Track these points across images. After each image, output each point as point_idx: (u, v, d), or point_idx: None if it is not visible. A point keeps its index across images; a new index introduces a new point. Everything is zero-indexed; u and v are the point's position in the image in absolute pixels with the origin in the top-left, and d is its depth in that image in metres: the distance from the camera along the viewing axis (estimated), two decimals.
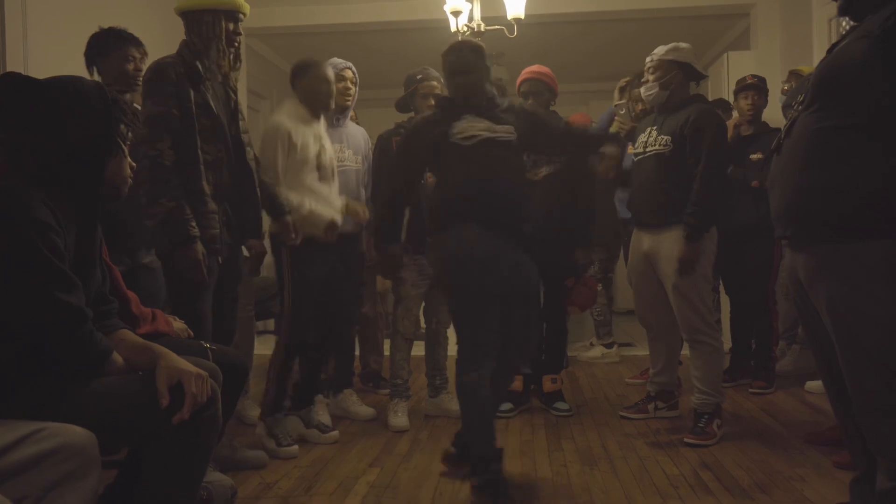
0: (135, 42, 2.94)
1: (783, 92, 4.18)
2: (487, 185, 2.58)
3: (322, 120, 3.22)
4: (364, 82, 3.60)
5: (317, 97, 3.14)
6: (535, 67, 3.69)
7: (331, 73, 3.17)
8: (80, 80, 1.73)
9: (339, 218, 3.15)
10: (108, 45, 2.89)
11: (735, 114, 4.31)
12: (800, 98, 2.19)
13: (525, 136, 2.74)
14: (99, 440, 1.46)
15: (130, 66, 2.89)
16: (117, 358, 1.63)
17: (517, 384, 3.64)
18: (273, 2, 5.49)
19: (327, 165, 3.15)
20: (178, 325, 2.22)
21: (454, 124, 2.66)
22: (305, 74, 3.15)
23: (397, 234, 2.89)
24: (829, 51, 2.16)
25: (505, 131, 2.67)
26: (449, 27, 4.45)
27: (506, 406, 3.59)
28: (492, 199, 2.57)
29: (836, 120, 1.97)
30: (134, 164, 1.84)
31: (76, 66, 2.76)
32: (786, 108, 2.46)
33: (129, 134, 1.80)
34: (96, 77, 2.88)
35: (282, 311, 3.15)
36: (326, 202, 3.12)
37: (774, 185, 2.20)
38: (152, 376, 1.58)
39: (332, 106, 3.22)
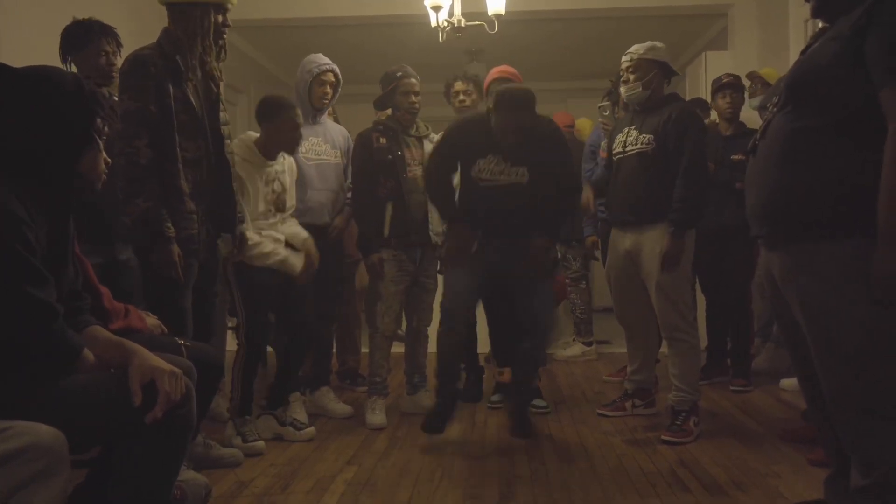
0: (107, 33, 2.87)
1: (750, 95, 4.21)
2: (488, 216, 3.11)
3: (279, 157, 3.17)
4: (343, 78, 3.57)
5: (281, 143, 3.10)
6: (504, 68, 3.71)
7: (298, 118, 3.10)
8: (57, 71, 1.69)
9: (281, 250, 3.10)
10: (81, 39, 2.83)
11: (713, 113, 4.35)
12: (774, 99, 2.20)
13: (535, 178, 3.13)
14: (68, 439, 1.43)
15: (103, 61, 2.83)
16: (88, 355, 1.59)
17: (506, 376, 3.69)
18: None
19: (274, 202, 3.12)
20: (151, 321, 2.18)
21: (478, 161, 3.13)
22: (276, 117, 3.07)
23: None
24: (803, 52, 2.18)
25: (518, 175, 3.12)
26: (429, 23, 4.43)
27: (496, 397, 3.69)
28: (492, 222, 3.11)
29: (808, 120, 1.99)
30: (109, 159, 1.80)
31: (50, 60, 2.70)
32: (761, 109, 2.49)
33: (106, 128, 1.77)
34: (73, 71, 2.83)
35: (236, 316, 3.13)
36: (271, 237, 3.08)
37: (750, 184, 2.21)
38: (125, 374, 1.54)
39: (296, 150, 3.22)
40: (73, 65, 2.85)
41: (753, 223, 2.14)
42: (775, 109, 2.10)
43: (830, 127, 1.95)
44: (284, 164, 3.19)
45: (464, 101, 3.78)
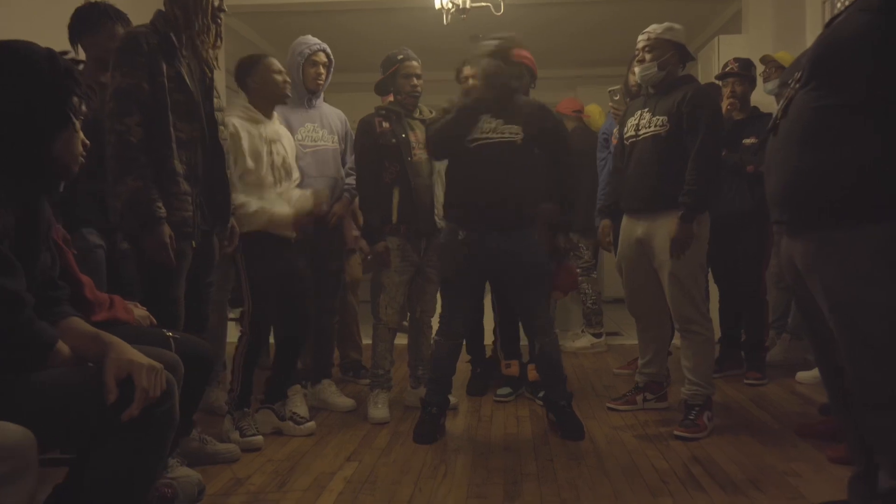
0: (121, 18, 2.80)
1: (765, 79, 4.08)
2: (482, 190, 2.96)
3: (275, 117, 3.08)
4: (344, 65, 3.46)
5: (269, 92, 3.00)
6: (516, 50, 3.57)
7: (277, 63, 3.03)
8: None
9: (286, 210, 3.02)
10: (94, 22, 2.75)
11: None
12: (796, 76, 2.08)
13: (530, 138, 3.01)
14: (40, 438, 1.33)
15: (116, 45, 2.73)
16: (63, 348, 1.49)
17: (513, 370, 3.69)
18: None
19: (280, 167, 3.02)
20: (139, 312, 2.08)
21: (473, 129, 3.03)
22: (254, 70, 3.00)
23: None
24: (828, 25, 2.05)
25: (511, 133, 2.99)
26: (433, 7, 4.32)
27: (504, 391, 3.62)
28: (484, 205, 2.97)
29: (833, 98, 1.87)
30: (87, 141, 1.69)
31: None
32: (782, 86, 2.36)
33: (83, 107, 1.66)
34: (80, 55, 2.73)
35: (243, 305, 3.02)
36: (281, 205, 2.99)
37: (770, 167, 2.09)
38: (101, 369, 1.44)
39: (287, 98, 3.08)
40: (81, 48, 2.76)
41: (774, 208, 2.02)
42: (797, 86, 1.98)
43: (856, 105, 1.83)
44: (281, 133, 3.10)
45: (473, 85, 3.66)
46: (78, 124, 1.63)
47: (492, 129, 3.01)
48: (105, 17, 2.76)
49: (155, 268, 2.37)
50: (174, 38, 2.40)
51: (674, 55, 3.07)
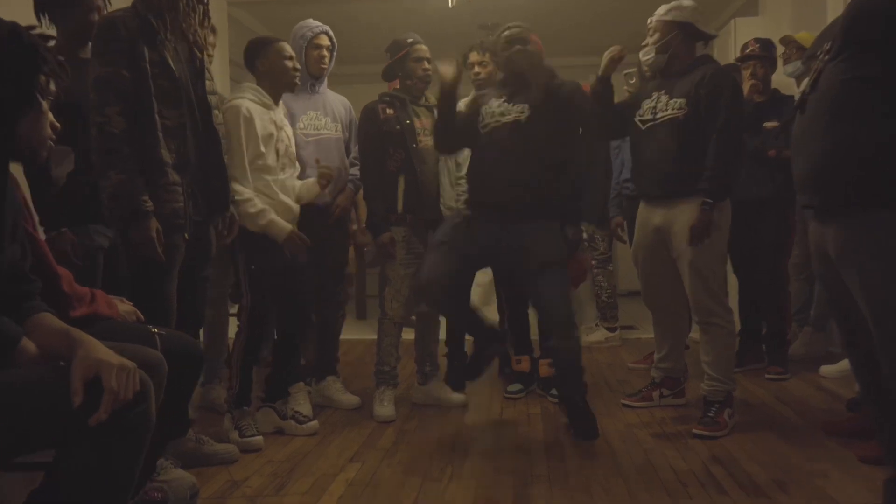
0: None
1: (784, 60, 3.91)
2: (494, 175, 2.85)
3: (281, 104, 2.98)
4: (349, 56, 3.33)
5: (277, 78, 2.89)
6: None
7: (289, 48, 2.92)
8: None
9: (296, 209, 2.95)
10: None
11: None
12: (825, 46, 1.93)
13: (539, 111, 2.85)
14: (3, 443, 1.22)
15: (97, 18, 2.58)
16: (28, 345, 1.37)
17: (524, 365, 3.55)
18: None
19: (285, 154, 2.92)
20: (124, 307, 1.96)
21: (483, 108, 2.97)
22: (265, 52, 2.89)
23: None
24: None
25: (518, 112, 2.86)
26: None
27: (514, 387, 3.49)
28: (488, 187, 2.86)
29: (868, 69, 1.72)
30: (58, 124, 1.58)
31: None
32: (809, 59, 2.20)
33: (52, 86, 1.54)
34: (49, 29, 2.58)
35: (241, 300, 2.90)
36: (285, 193, 2.90)
37: (798, 146, 1.95)
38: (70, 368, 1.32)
39: (296, 86, 2.96)
40: (49, 21, 2.59)
41: (803, 191, 1.88)
42: (826, 58, 1.83)
43: (893, 77, 1.68)
44: (285, 120, 3.00)
45: (479, 73, 3.51)
46: (46, 105, 1.51)
47: (501, 112, 2.90)
48: None
49: (144, 262, 2.26)
50: (155, 21, 2.28)
51: (677, 36, 2.92)
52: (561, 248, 2.90)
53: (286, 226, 2.85)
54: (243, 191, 2.76)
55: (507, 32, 2.98)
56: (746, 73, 3.75)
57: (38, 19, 2.56)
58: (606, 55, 2.96)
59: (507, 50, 2.95)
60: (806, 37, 3.92)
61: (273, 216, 2.81)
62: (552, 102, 2.87)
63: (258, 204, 2.78)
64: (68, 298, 1.72)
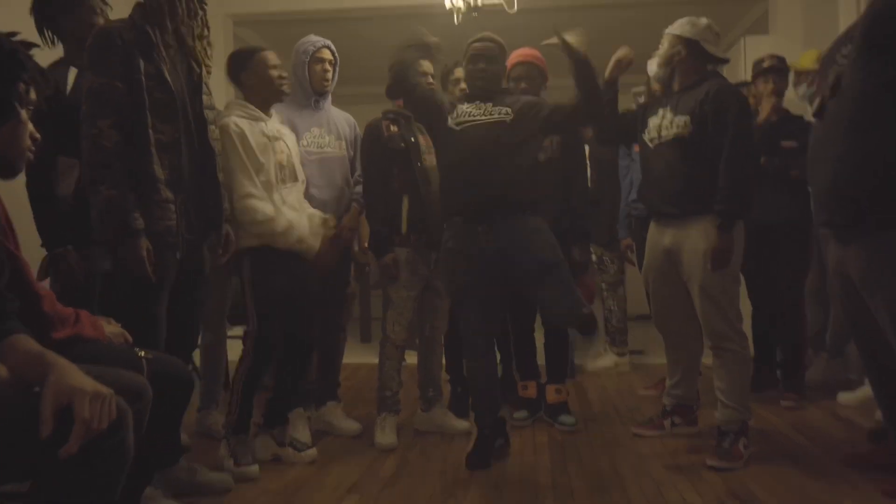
0: None
1: (795, 83, 3.83)
2: (472, 172, 2.75)
3: (274, 116, 2.89)
4: (356, 76, 3.27)
5: (264, 89, 2.80)
6: (525, 50, 3.40)
7: (273, 57, 2.84)
8: None
9: (305, 224, 2.85)
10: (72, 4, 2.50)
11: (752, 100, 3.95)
12: (845, 50, 1.84)
13: (522, 115, 2.81)
14: None
15: (101, 20, 2.52)
16: (0, 369, 1.28)
17: (531, 391, 3.43)
18: None
19: (286, 164, 2.82)
20: (111, 328, 1.87)
21: (457, 107, 2.90)
22: (248, 64, 2.80)
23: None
24: None
25: (500, 113, 2.81)
26: (444, 13, 4.14)
27: (520, 414, 3.37)
28: (475, 188, 2.75)
29: (888, 75, 1.62)
30: (38, 135, 1.50)
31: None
32: (828, 63, 2.10)
33: (32, 95, 1.47)
34: (50, 44, 2.53)
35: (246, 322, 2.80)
36: (290, 209, 2.80)
37: (816, 159, 1.85)
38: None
39: (284, 95, 2.88)
40: (52, 35, 2.54)
41: (822, 209, 1.78)
42: (846, 62, 1.74)
43: None
44: (282, 130, 2.91)
45: (465, 89, 3.42)
46: (25, 114, 1.44)
47: (480, 112, 2.85)
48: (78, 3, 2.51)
49: (133, 282, 2.18)
50: (153, 33, 2.22)
51: (680, 52, 2.84)
52: (554, 243, 2.81)
53: (313, 245, 2.80)
54: (264, 208, 2.67)
55: (472, 47, 2.94)
56: (767, 88, 3.65)
57: (42, 37, 2.51)
58: (613, 57, 2.90)
59: (472, 65, 2.92)
60: (812, 56, 3.86)
61: (302, 234, 2.75)
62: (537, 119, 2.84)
63: (282, 221, 2.70)
64: (50, 319, 1.64)
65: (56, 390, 1.21)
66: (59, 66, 2.49)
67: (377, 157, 3.14)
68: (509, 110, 2.82)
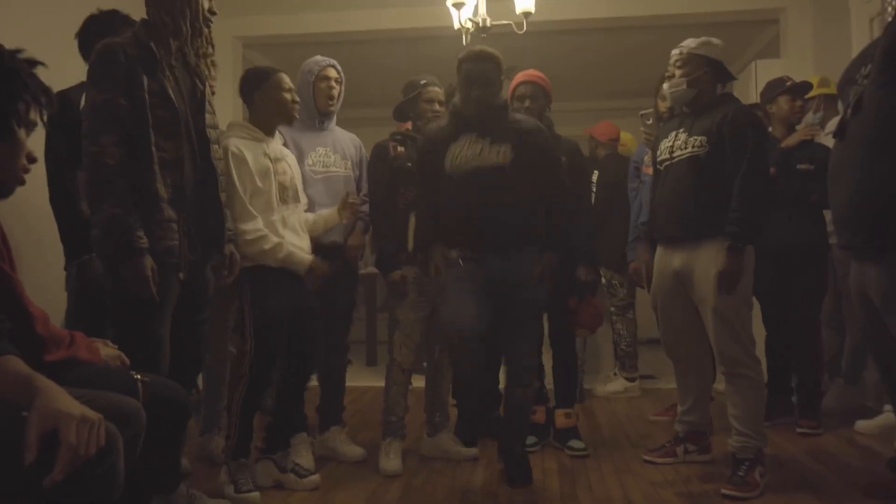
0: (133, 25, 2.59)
1: (814, 110, 3.79)
2: (470, 216, 2.71)
3: (277, 136, 2.87)
4: (363, 99, 3.26)
5: (280, 108, 2.77)
6: (530, 72, 3.37)
7: (288, 80, 2.81)
8: None
9: (306, 245, 2.83)
10: (115, 28, 2.55)
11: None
12: (864, 70, 1.79)
13: (520, 161, 2.71)
14: None
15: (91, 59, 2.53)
16: None
17: (539, 416, 3.34)
18: (268, 10, 5.20)
19: (289, 186, 2.79)
20: (107, 351, 1.83)
21: (451, 146, 2.76)
22: (262, 84, 2.77)
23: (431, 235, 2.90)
24: None
25: (497, 155, 2.71)
26: (452, 35, 4.13)
27: (529, 440, 3.24)
28: (473, 229, 2.71)
29: None
30: (36, 156, 1.47)
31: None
32: (847, 83, 2.06)
33: (33, 115, 1.44)
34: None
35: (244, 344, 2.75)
36: (291, 229, 2.76)
37: (836, 178, 1.81)
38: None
39: (293, 119, 2.84)
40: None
41: (843, 229, 1.73)
42: (866, 81, 1.70)
43: None
44: (284, 152, 2.87)
45: (438, 111, 3.35)
46: (23, 134, 1.40)
47: (476, 153, 2.73)
48: (126, 24, 2.57)
49: (135, 303, 2.13)
50: (157, 50, 2.20)
51: (707, 73, 2.81)
52: (541, 292, 2.80)
53: (306, 257, 2.74)
54: (252, 229, 2.63)
55: (465, 68, 2.77)
56: (795, 106, 3.60)
57: (85, 57, 2.53)
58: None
59: (466, 89, 2.76)
60: (815, 82, 3.84)
61: (291, 248, 2.69)
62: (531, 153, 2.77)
63: (272, 238, 2.66)
64: (43, 341, 1.59)
65: (42, 414, 1.16)
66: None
67: (383, 176, 3.13)
68: (508, 149, 2.72)
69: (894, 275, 1.63)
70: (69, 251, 2.69)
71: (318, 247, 2.95)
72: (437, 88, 3.23)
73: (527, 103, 3.23)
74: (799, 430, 3.41)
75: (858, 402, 3.73)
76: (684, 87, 2.81)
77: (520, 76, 3.33)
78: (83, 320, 2.55)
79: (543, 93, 3.32)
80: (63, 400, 1.19)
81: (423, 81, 3.23)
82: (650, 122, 3.80)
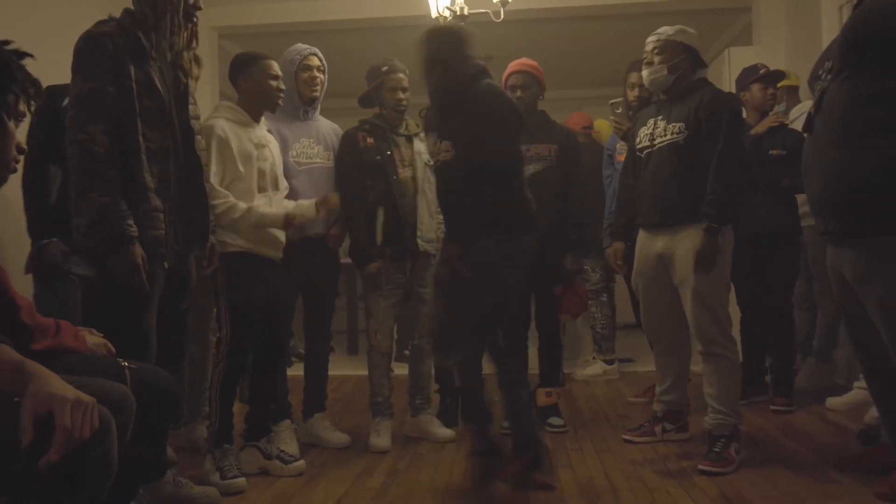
0: None
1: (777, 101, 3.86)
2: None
3: (262, 122, 2.87)
4: (345, 90, 3.27)
5: (263, 95, 2.77)
6: (523, 60, 3.41)
7: (276, 67, 2.81)
8: None
9: (280, 236, 2.81)
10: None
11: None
12: (826, 65, 1.86)
13: (460, 157, 2.53)
14: None
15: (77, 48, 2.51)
16: None
17: (553, 398, 3.39)
18: None
19: (268, 173, 2.79)
20: (93, 339, 1.83)
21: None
22: (249, 69, 2.77)
23: None
24: (857, 5, 1.84)
25: (444, 153, 2.57)
26: (429, 17, 4.14)
27: (558, 421, 3.30)
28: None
29: (873, 84, 1.64)
30: (25, 146, 1.47)
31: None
32: (813, 80, 2.12)
33: (22, 106, 1.44)
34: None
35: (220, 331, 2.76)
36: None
37: (809, 170, 1.87)
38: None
39: (276, 107, 2.85)
40: None
41: (818, 216, 1.79)
42: (829, 76, 1.76)
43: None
44: (268, 138, 2.87)
45: (402, 99, 3.26)
46: (12, 125, 1.41)
47: (436, 153, 2.74)
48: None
49: (123, 293, 2.14)
50: (143, 39, 2.19)
51: (685, 59, 2.86)
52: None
53: (279, 212, 2.72)
54: (221, 202, 2.60)
55: (426, 50, 2.64)
56: (766, 92, 3.65)
57: None
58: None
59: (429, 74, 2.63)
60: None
61: (262, 209, 2.68)
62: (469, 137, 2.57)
63: (240, 206, 2.63)
64: (29, 330, 1.59)
65: (36, 398, 1.18)
66: None
67: (354, 168, 3.14)
68: (449, 146, 2.57)
69: (866, 256, 1.68)
70: (32, 235, 2.71)
71: (300, 238, 2.95)
72: (400, 75, 3.20)
73: (518, 93, 3.25)
74: (773, 407, 3.50)
75: (829, 380, 3.83)
76: (665, 72, 2.85)
77: (512, 65, 3.36)
78: (47, 302, 2.54)
79: (535, 81, 3.34)
80: (56, 384, 1.21)
81: (384, 68, 3.21)
82: (619, 111, 3.85)
